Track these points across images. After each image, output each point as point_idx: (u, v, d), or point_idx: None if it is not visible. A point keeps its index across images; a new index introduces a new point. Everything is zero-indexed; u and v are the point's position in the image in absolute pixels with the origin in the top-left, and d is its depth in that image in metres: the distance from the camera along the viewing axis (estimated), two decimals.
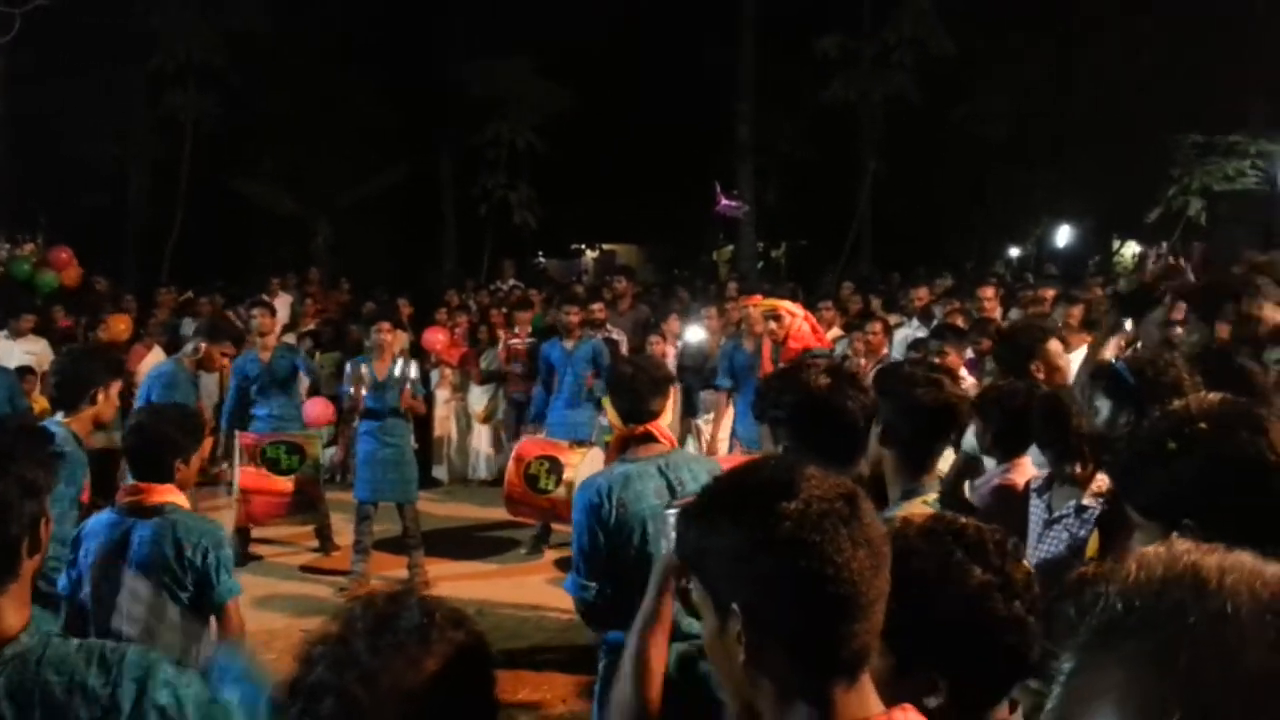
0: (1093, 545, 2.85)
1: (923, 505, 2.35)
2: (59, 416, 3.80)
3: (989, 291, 7.79)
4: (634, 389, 3.33)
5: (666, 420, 4.08)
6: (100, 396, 3.84)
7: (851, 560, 1.18)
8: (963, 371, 5.31)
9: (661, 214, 21.90)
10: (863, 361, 6.30)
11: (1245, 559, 0.76)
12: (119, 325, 9.75)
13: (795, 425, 2.19)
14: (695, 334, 8.26)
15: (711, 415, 7.57)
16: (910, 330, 7.45)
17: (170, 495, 3.14)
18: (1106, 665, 0.72)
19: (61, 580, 3.14)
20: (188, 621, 3.07)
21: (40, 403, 7.92)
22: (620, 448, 3.41)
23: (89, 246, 12.82)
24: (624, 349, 8.69)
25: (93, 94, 16.70)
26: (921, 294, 8.17)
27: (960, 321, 6.73)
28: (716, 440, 7.15)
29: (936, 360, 4.75)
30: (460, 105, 17.96)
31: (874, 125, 17.99)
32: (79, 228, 13.91)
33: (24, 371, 7.88)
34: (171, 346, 8.87)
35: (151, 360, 8.60)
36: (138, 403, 5.73)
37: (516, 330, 9.52)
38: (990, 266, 18.09)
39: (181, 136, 17.49)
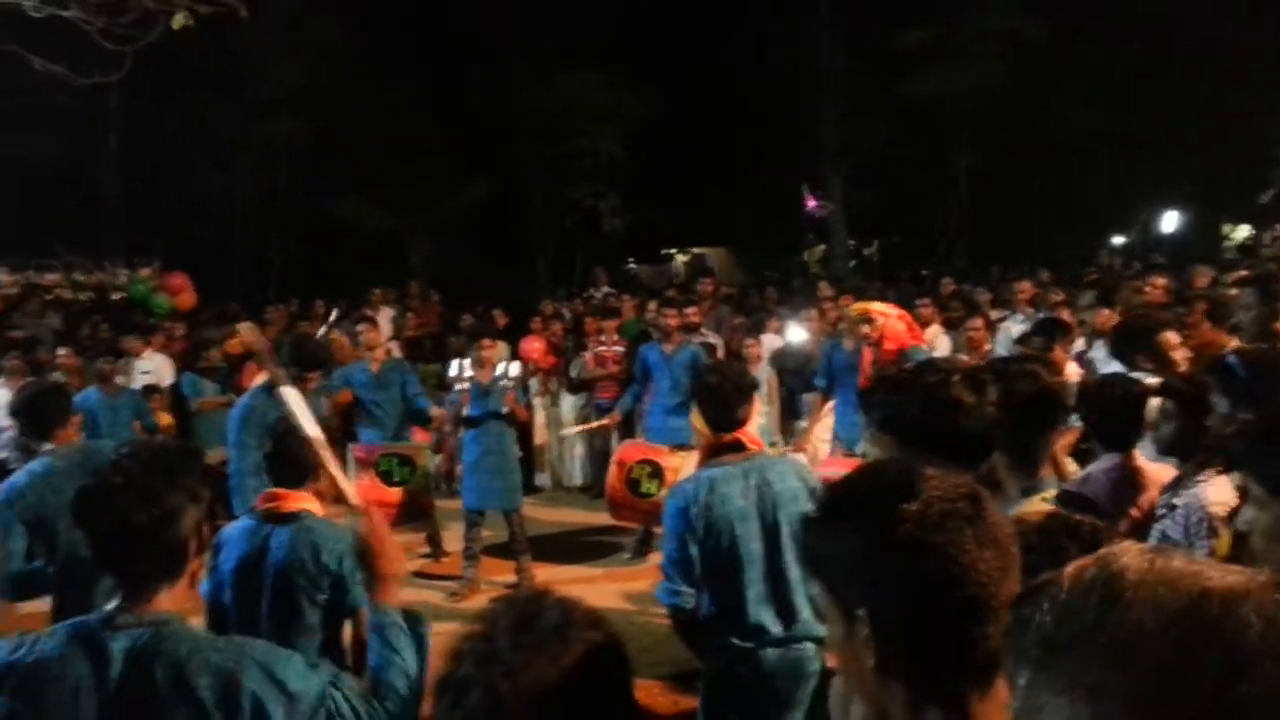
0: (1224, 543, 2.76)
1: (1042, 502, 2.30)
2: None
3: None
4: (720, 397, 3.32)
5: (756, 425, 4.08)
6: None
7: (978, 561, 1.16)
8: (1071, 366, 5.19)
9: (750, 216, 21.85)
10: (965, 359, 6.20)
11: (1174, 564, 0.76)
12: (249, 337, 10.08)
13: (915, 428, 2.12)
14: (796, 335, 8.20)
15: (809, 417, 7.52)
16: (1015, 325, 7.28)
17: (306, 502, 3.26)
18: (1044, 682, 0.74)
19: (203, 585, 3.29)
20: (323, 625, 3.19)
21: (165, 418, 8.31)
22: (709, 455, 3.41)
23: (200, 270, 13.38)
24: (720, 353, 8.71)
25: (197, 126, 17.44)
26: (1025, 287, 7.96)
27: (1066, 315, 6.57)
28: (815, 441, 7.11)
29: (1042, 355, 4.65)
30: (544, 118, 18.21)
31: (964, 118, 17.63)
32: (190, 253, 14.51)
33: (149, 390, 8.28)
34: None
35: (262, 377, 8.92)
36: (230, 427, 5.88)
37: (603, 337, 9.60)
38: (1093, 257, 17.57)
39: (280, 163, 18.11)
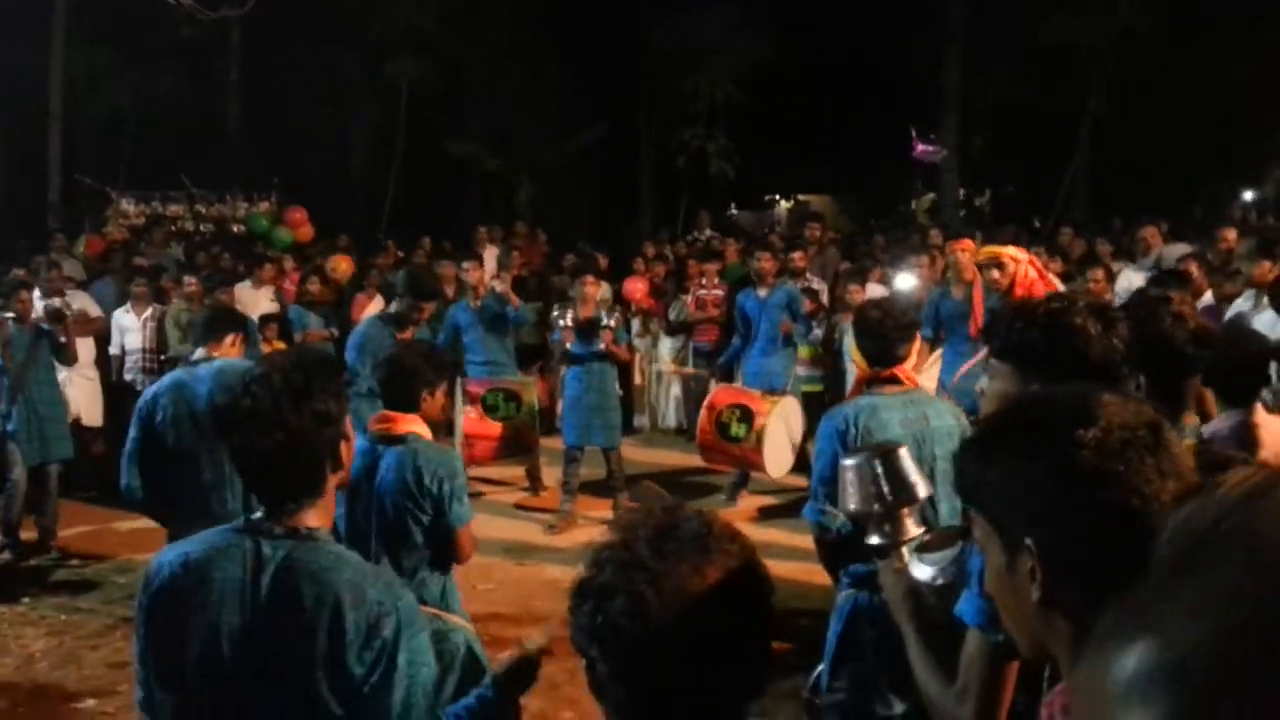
0: None
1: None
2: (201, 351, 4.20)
3: (1230, 234, 7.17)
4: (882, 333, 3.34)
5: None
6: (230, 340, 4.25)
7: (1160, 492, 1.11)
8: None
9: (858, 163, 21.38)
10: None
11: None
12: (341, 264, 10.49)
13: (1035, 353, 2.01)
14: (905, 281, 8.02)
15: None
16: (1136, 275, 6.96)
17: (414, 425, 3.37)
18: (1177, 589, 0.73)
19: None
20: (427, 542, 3.30)
21: (274, 345, 8.63)
22: (864, 385, 3.44)
23: (314, 205, 13.74)
24: (824, 298, 8.59)
25: (315, 63, 17.79)
26: (1149, 233, 7.56)
27: (1195, 270, 6.25)
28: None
29: None
30: (660, 60, 18.04)
31: (1098, 64, 16.80)
32: (306, 188, 14.91)
33: (265, 320, 8.59)
34: (390, 296, 9.43)
35: (372, 309, 9.18)
36: (348, 354, 6.05)
37: (704, 281, 9.56)
38: (1226, 210, 16.67)
39: (395, 101, 18.38)
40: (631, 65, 18.75)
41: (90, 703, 4.78)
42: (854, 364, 3.51)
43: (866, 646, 3.12)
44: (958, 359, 6.38)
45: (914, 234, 12.13)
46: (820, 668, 3.27)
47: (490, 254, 11.96)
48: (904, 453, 2.29)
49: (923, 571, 2.02)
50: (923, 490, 2.25)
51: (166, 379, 4.24)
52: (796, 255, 8.36)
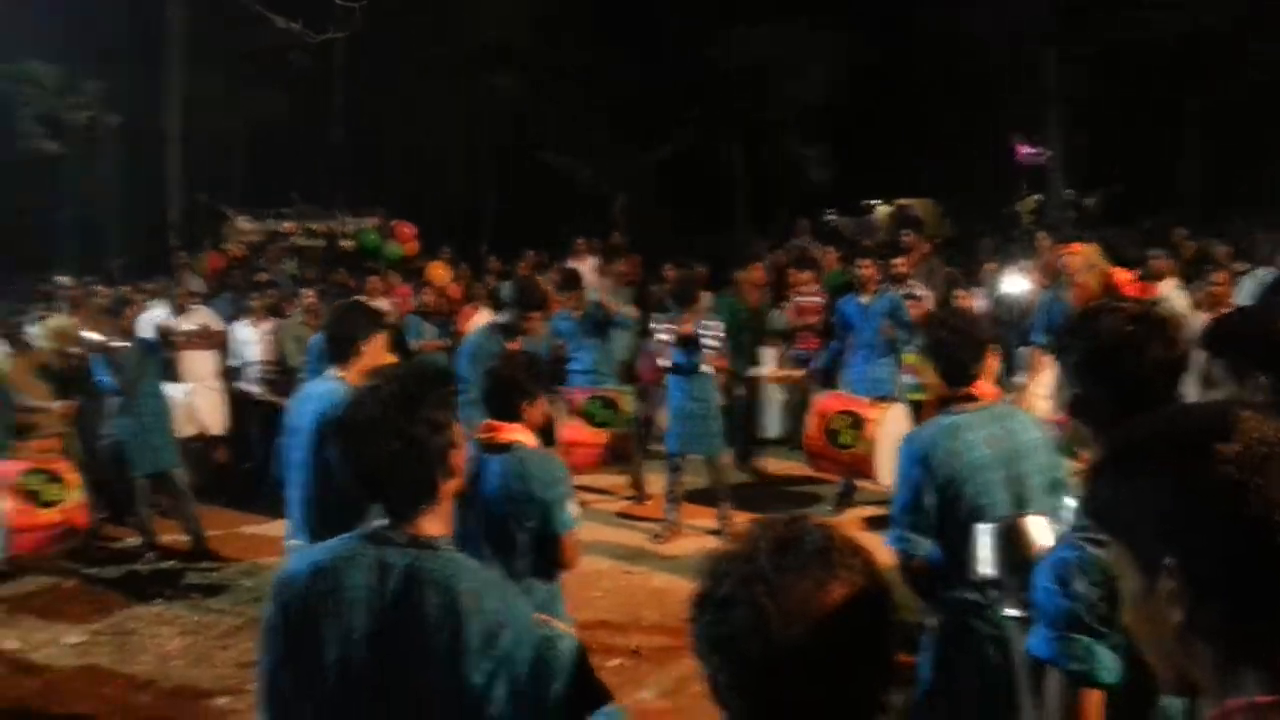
0: None
1: None
2: (333, 372, 4.03)
3: None
4: (952, 352, 3.22)
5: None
6: (365, 348, 4.03)
7: None
8: None
9: (959, 165, 20.95)
10: (1205, 315, 5.77)
11: None
12: (438, 271, 10.77)
13: (1084, 370, 2.04)
14: (1015, 285, 7.84)
15: (1026, 373, 7.22)
16: (1260, 278, 6.69)
17: (518, 434, 3.45)
18: None
19: None
20: (532, 548, 3.36)
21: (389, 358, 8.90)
22: (940, 405, 3.31)
23: (416, 220, 14.08)
24: (929, 305, 8.46)
25: (414, 80, 18.26)
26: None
27: None
28: (1032, 398, 6.82)
29: None
30: (748, 67, 18.01)
31: (1206, 53, 16.18)
32: (408, 204, 15.30)
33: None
34: (496, 308, 9.63)
35: (479, 320, 9.38)
36: (459, 363, 6.16)
37: (804, 288, 9.50)
38: None
39: (492, 116, 18.75)
40: (718, 73, 18.75)
41: (222, 700, 4.99)
42: (926, 385, 3.36)
43: (959, 673, 3.07)
44: None
45: (1021, 237, 11.87)
46: (914, 693, 3.23)
47: (588, 265, 12.11)
48: (1037, 521, 2.26)
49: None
50: None
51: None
52: (899, 261, 8.26)
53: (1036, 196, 19.42)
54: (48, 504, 5.73)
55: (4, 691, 5.18)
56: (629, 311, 8.73)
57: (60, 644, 5.74)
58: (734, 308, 9.10)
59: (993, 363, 3.33)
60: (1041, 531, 2.19)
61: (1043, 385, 6.79)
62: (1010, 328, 7.96)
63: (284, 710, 1.99)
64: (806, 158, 17.73)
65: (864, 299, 7.64)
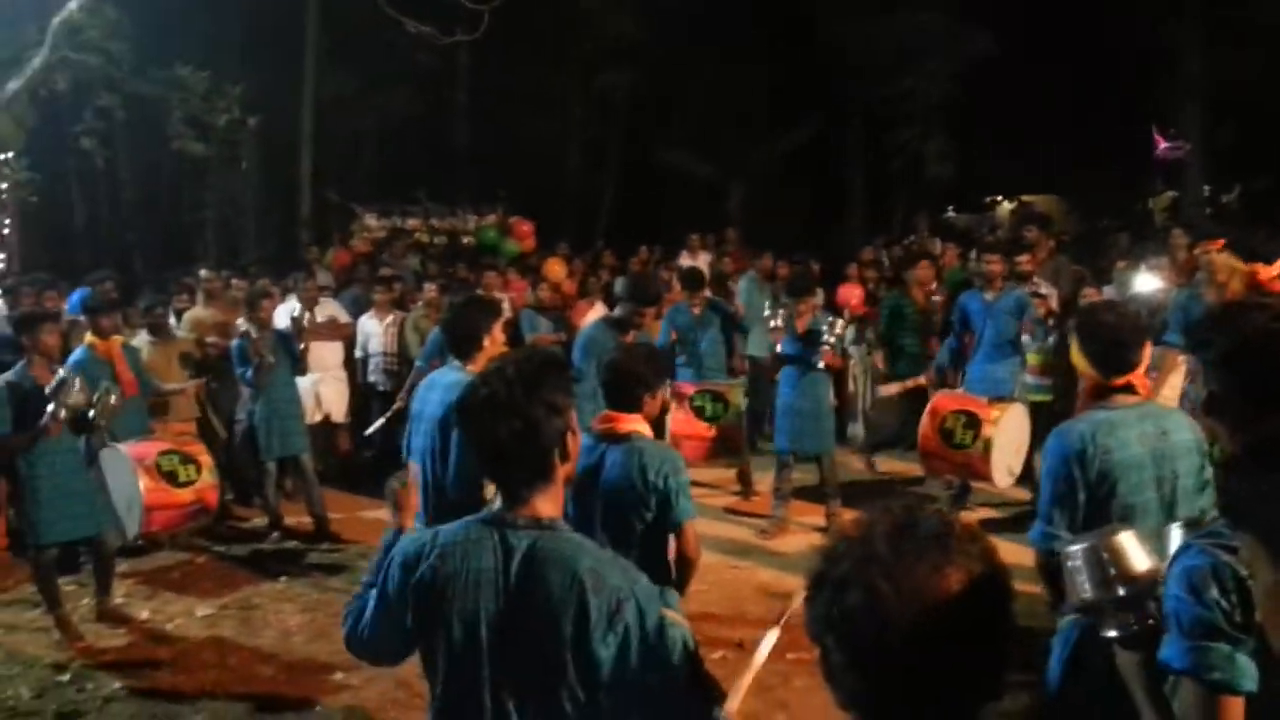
0: None
1: None
2: (457, 364, 4.10)
3: None
4: (1116, 337, 3.11)
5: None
6: (487, 341, 4.14)
7: None
8: None
9: (1088, 160, 20.14)
10: None
11: None
12: (554, 267, 10.94)
13: (1223, 367, 1.95)
14: (1147, 283, 7.50)
15: (1156, 373, 6.90)
16: None
17: (637, 424, 3.48)
18: None
19: None
20: (648, 539, 3.39)
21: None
22: (1094, 397, 3.20)
23: (535, 217, 14.36)
24: (1053, 303, 8.17)
25: (535, 79, 18.58)
26: None
27: None
28: (1163, 399, 6.51)
29: None
30: (872, 59, 17.70)
31: None
32: (527, 200, 15.60)
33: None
34: (611, 304, 9.73)
35: (593, 315, 9.49)
36: (574, 356, 6.23)
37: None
38: None
39: (610, 112, 18.93)
40: (842, 65, 18.46)
41: (339, 675, 5.19)
42: (1081, 373, 3.23)
43: (1088, 675, 2.95)
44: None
45: (1155, 234, 11.34)
46: (1044, 693, 3.12)
47: (702, 260, 12.13)
48: (1131, 535, 2.17)
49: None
50: (1156, 567, 2.14)
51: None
52: (1024, 259, 7.98)
53: (1171, 193, 18.54)
54: (183, 484, 6.01)
55: (139, 657, 5.50)
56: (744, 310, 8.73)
57: (191, 616, 6.07)
58: (900, 306, 8.91)
59: (1146, 356, 3.22)
60: (1135, 549, 2.10)
61: (1173, 387, 6.49)
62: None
63: (386, 656, 2.18)
64: (927, 152, 17.29)
65: (988, 296, 7.40)
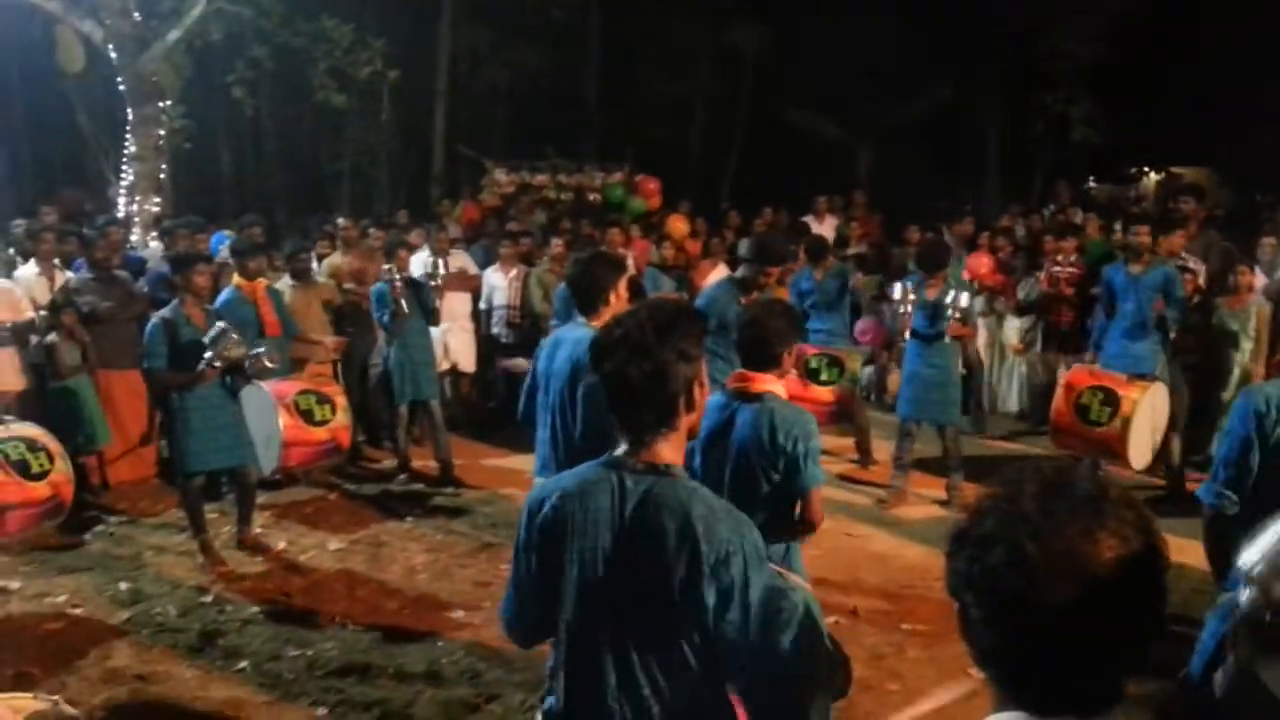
0: None
1: None
2: (582, 320, 4.10)
3: None
4: None
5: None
6: (613, 296, 4.12)
7: None
8: None
9: (1243, 129, 18.88)
10: None
11: None
12: (678, 224, 10.93)
13: None
14: None
15: None
16: None
17: (771, 384, 3.44)
18: None
19: None
20: (775, 500, 3.36)
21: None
22: None
23: (659, 174, 14.32)
24: (1200, 281, 7.76)
25: (665, 37, 18.46)
26: None
27: None
28: None
29: None
30: (1015, 16, 16.94)
31: None
32: (653, 157, 15.56)
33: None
34: (734, 264, 9.68)
35: (715, 275, 9.46)
36: None
37: (1060, 258, 8.94)
38: None
39: (739, 69, 18.67)
40: (981, 23, 17.71)
41: (459, 613, 5.38)
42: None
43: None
44: None
45: None
46: (1193, 664, 3.00)
47: (829, 224, 11.93)
48: None
49: None
50: None
51: None
52: (1177, 234, 7.56)
53: None
54: (318, 423, 6.26)
55: (275, 585, 5.82)
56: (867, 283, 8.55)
57: (323, 549, 6.37)
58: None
59: None
60: None
61: None
62: None
63: (536, 620, 2.16)
64: (1070, 118, 16.48)
65: (1134, 269, 7.05)
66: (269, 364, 5.99)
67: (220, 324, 5.87)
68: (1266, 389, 3.04)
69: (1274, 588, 1.94)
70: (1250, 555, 2.08)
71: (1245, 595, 1.99)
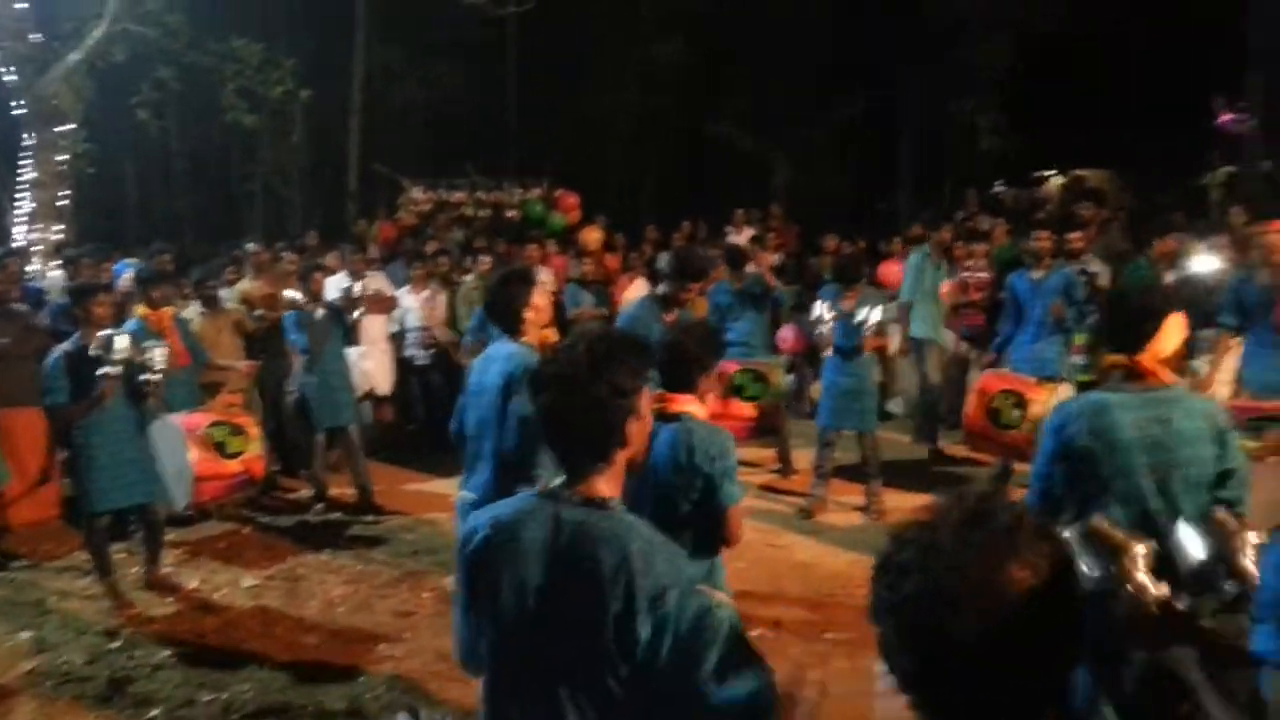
0: None
1: None
2: (506, 339, 4.08)
3: None
4: (1122, 315, 3.16)
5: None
6: (529, 312, 4.12)
7: None
8: None
9: (1143, 133, 19.61)
10: None
11: None
12: (591, 234, 10.94)
13: None
14: (1205, 264, 7.33)
15: (1209, 356, 6.74)
16: None
17: (689, 405, 3.44)
18: None
19: None
20: (695, 520, 3.36)
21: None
22: (1104, 375, 3.28)
23: (578, 189, 14.32)
24: (1103, 282, 8.01)
25: (586, 50, 18.49)
26: None
27: None
28: (1216, 384, 6.37)
29: None
30: (933, 29, 17.36)
31: None
32: (573, 172, 15.56)
33: None
34: (653, 278, 9.71)
35: (635, 291, 9.48)
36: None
37: (970, 263, 9.15)
38: None
39: (657, 85, 18.80)
40: (896, 36, 18.10)
41: (382, 646, 5.27)
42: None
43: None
44: (1261, 351, 5.80)
45: (1210, 212, 11.05)
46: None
47: (745, 236, 12.04)
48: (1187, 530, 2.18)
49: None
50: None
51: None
52: (1074, 236, 7.82)
53: (1228, 169, 18.00)
54: (231, 455, 6.10)
55: (187, 626, 5.63)
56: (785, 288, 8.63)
57: (237, 586, 6.19)
58: (1142, 271, 8.70)
59: (1175, 341, 3.15)
60: (1191, 540, 2.07)
61: (1226, 370, 6.34)
62: (1192, 308, 7.41)
63: (473, 648, 2.13)
64: (979, 126, 16.94)
65: (1036, 274, 7.28)
66: (159, 354, 5.78)
67: (105, 331, 5.66)
68: (1070, 406, 3.20)
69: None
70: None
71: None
